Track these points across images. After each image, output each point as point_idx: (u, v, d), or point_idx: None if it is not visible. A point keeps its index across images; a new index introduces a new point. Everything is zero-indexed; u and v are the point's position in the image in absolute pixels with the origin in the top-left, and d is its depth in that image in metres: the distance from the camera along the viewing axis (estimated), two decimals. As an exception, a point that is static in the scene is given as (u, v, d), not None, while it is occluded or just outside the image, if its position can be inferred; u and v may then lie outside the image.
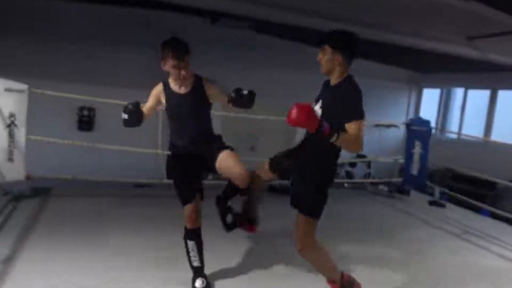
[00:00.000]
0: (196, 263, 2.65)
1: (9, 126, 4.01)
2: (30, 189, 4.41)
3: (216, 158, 2.60)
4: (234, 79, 6.93)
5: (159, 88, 2.68)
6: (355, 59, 2.23)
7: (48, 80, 4.52)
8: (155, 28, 6.02)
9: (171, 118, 2.72)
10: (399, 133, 7.91)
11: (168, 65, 2.51)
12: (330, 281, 2.48)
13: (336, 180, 6.52)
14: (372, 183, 6.77)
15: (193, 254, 2.63)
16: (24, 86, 4.12)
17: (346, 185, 6.83)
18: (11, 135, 4.02)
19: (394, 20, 4.54)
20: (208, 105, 2.69)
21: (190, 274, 2.67)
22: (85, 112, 6.98)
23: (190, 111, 2.65)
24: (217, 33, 6.31)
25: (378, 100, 7.77)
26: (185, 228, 2.63)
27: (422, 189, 6.30)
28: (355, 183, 6.82)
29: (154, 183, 4.89)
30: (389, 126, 7.91)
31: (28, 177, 4.25)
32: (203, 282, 2.65)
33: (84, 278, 2.73)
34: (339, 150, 2.27)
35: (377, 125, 7.83)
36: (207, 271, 2.71)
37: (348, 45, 2.19)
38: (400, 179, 6.31)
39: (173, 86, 2.63)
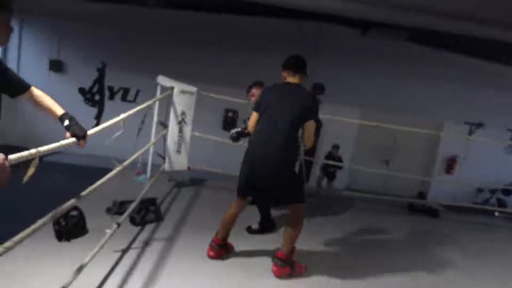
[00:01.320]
0: None
1: (180, 122, 4.68)
2: (190, 178, 5.06)
3: None
4: (377, 91, 6.79)
5: None
6: None
7: (203, 84, 5.14)
8: (304, 38, 6.28)
9: None
10: None
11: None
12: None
13: (486, 207, 5.90)
14: (533, 217, 5.82)
15: None
16: (194, 89, 4.75)
17: (497, 214, 6.02)
18: (180, 130, 4.68)
19: None
20: None
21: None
22: (230, 114, 7.68)
23: None
24: (366, 44, 6.27)
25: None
26: None
27: None
28: (508, 213, 5.95)
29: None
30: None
31: (189, 168, 4.88)
32: None
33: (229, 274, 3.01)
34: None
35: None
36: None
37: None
38: None
39: None
